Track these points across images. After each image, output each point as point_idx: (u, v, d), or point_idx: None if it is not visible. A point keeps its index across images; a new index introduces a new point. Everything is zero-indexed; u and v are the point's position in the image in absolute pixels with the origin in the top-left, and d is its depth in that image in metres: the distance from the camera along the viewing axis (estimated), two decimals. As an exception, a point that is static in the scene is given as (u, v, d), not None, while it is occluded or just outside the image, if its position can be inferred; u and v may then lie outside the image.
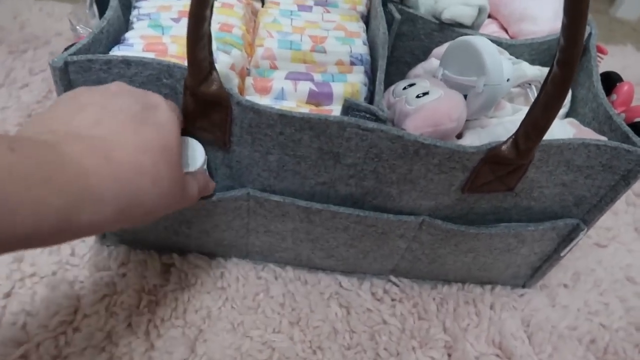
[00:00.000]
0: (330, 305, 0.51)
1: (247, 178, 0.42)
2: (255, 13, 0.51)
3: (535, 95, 0.35)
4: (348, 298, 0.52)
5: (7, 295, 0.46)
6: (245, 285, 0.51)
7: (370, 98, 0.44)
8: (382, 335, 0.50)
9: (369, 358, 0.48)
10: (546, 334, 0.52)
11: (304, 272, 0.53)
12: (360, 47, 0.46)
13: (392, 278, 0.54)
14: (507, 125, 0.43)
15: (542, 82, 0.33)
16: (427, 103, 0.39)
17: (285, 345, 0.48)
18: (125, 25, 0.46)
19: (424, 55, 0.49)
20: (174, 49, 0.42)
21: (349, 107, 0.37)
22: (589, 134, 0.43)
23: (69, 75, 0.38)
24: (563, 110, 0.48)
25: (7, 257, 0.48)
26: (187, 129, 0.39)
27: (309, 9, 0.50)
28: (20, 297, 0.46)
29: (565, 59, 0.29)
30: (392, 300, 0.53)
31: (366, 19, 0.52)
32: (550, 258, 0.51)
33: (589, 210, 0.45)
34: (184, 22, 0.44)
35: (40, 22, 0.72)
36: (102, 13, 0.51)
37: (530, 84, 0.48)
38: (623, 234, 0.64)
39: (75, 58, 0.37)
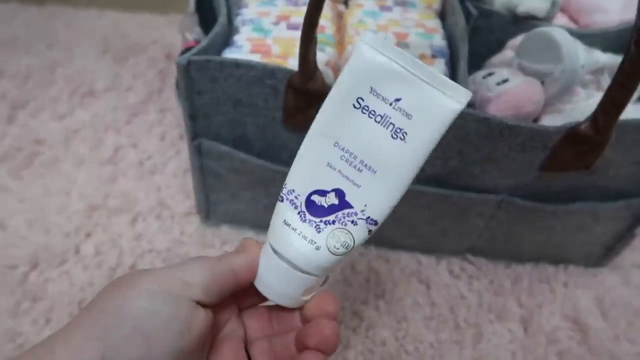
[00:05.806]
0: (411, 281, 0.55)
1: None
2: (339, 15, 0.56)
3: (607, 81, 0.37)
4: (427, 275, 0.56)
5: (132, 267, 0.53)
6: (333, 262, 0.56)
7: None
8: (461, 308, 0.54)
9: (450, 328, 0.52)
10: (620, 310, 0.54)
11: (386, 250, 0.58)
12: (439, 41, 0.50)
13: (469, 257, 0.57)
14: (582, 109, 0.45)
15: (614, 69, 0.35)
16: (508, 89, 0.43)
17: (372, 314, 0.52)
18: (230, 28, 0.52)
19: (499, 47, 0.53)
20: (277, 50, 0.47)
21: (438, 94, 0.41)
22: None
23: (190, 72, 0.44)
24: (637, 94, 0.50)
25: (130, 234, 0.55)
26: (288, 124, 0.45)
27: (389, 9, 0.55)
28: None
29: (642, 38, 0.32)
30: (469, 277, 0.56)
31: (441, 15, 0.56)
32: (624, 237, 0.53)
33: (663, 189, 0.48)
34: (282, 25, 0.50)
35: (137, 32, 0.80)
36: (202, 20, 0.58)
37: (602, 71, 0.50)
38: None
39: (196, 58, 0.43)
